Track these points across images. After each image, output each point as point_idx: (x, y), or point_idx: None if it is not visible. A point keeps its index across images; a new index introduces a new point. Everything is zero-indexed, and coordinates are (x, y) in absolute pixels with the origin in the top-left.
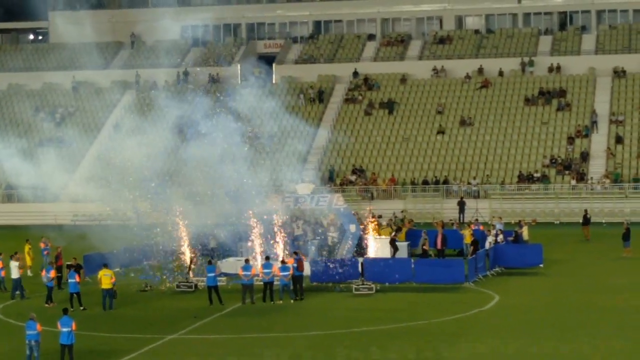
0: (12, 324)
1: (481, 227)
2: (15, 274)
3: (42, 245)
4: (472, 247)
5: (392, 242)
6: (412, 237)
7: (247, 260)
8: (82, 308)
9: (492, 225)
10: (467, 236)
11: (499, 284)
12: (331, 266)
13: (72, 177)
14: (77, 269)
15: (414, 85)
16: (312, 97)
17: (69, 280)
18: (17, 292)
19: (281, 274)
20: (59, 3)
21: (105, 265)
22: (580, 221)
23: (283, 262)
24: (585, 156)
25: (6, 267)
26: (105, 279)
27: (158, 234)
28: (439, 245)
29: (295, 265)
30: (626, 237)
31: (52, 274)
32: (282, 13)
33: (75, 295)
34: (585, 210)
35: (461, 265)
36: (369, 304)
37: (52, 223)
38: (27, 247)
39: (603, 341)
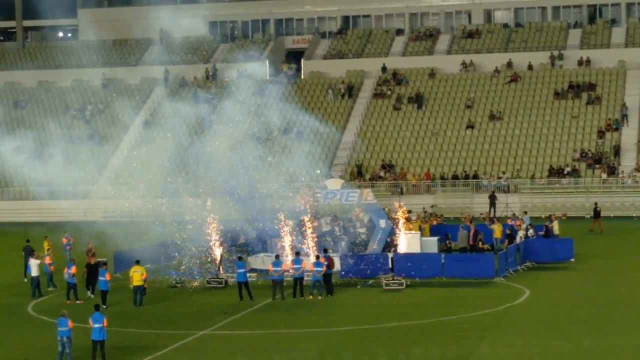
0: (44, 321)
1: (517, 223)
2: (35, 272)
3: (64, 240)
4: (507, 241)
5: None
6: (442, 232)
7: (277, 256)
8: (104, 306)
9: (522, 219)
10: (497, 231)
11: (529, 279)
12: (361, 262)
13: (102, 174)
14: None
15: (443, 80)
16: (342, 92)
17: (100, 279)
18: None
19: (315, 269)
20: (88, 1)
21: (138, 262)
22: (593, 214)
23: (317, 257)
24: (617, 150)
25: (53, 263)
26: (137, 275)
27: (187, 230)
28: (470, 241)
29: (326, 262)
30: None
31: (73, 270)
32: (310, 8)
33: (103, 292)
34: (595, 204)
35: (492, 260)
36: (399, 299)
37: (83, 220)
38: (46, 244)
39: (635, 336)
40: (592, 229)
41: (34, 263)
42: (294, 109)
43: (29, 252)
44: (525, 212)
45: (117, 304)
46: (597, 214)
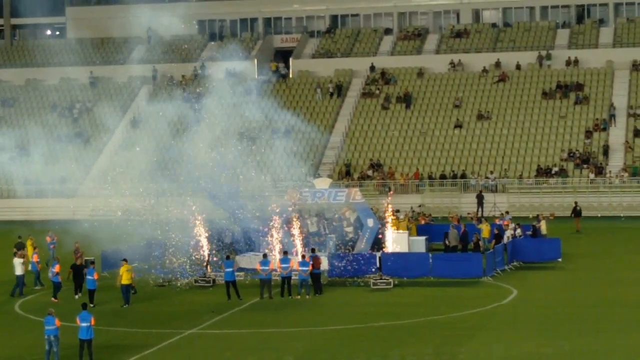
0: (31, 319)
1: (505, 222)
2: (19, 270)
3: (48, 239)
4: (494, 241)
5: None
6: (430, 232)
7: (265, 255)
8: (92, 305)
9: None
10: (485, 231)
11: (517, 279)
12: (349, 261)
13: (89, 172)
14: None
15: (431, 79)
16: (331, 91)
17: (87, 277)
18: (17, 289)
19: (300, 268)
20: None
21: (125, 261)
22: (571, 214)
23: (303, 257)
24: (605, 150)
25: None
26: (126, 274)
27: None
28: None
29: (311, 262)
30: None
31: (57, 268)
32: (298, 7)
33: (90, 291)
34: (575, 203)
35: (479, 260)
36: (387, 298)
37: (70, 218)
38: (29, 242)
39: (623, 335)
40: (578, 229)
41: (17, 262)
42: (281, 108)
43: (20, 249)
44: (507, 212)
45: (104, 303)
46: (577, 212)
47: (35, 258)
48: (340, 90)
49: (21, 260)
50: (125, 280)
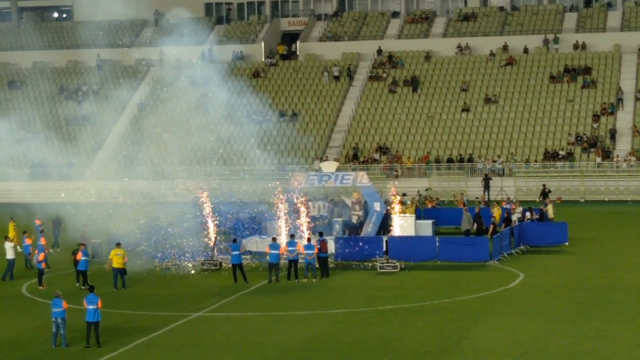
0: (38, 302)
1: (513, 206)
2: (10, 254)
3: (37, 222)
4: (503, 224)
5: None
6: (437, 215)
7: (274, 239)
8: (81, 287)
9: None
10: (496, 214)
11: (523, 262)
12: (356, 244)
13: (97, 155)
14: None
15: (439, 63)
16: (338, 74)
17: (82, 258)
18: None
19: (305, 252)
20: None
21: (118, 245)
22: (540, 197)
23: (309, 240)
24: (613, 133)
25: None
26: (117, 258)
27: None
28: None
29: (318, 246)
30: None
31: (41, 256)
32: None
33: (82, 273)
34: (544, 185)
35: (486, 244)
36: (394, 282)
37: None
38: (11, 225)
39: (629, 320)
40: (545, 210)
41: (8, 246)
42: (289, 91)
43: (23, 232)
44: (509, 199)
45: (110, 285)
46: (544, 195)
47: (28, 241)
48: (350, 73)
49: (12, 244)
50: (116, 264)
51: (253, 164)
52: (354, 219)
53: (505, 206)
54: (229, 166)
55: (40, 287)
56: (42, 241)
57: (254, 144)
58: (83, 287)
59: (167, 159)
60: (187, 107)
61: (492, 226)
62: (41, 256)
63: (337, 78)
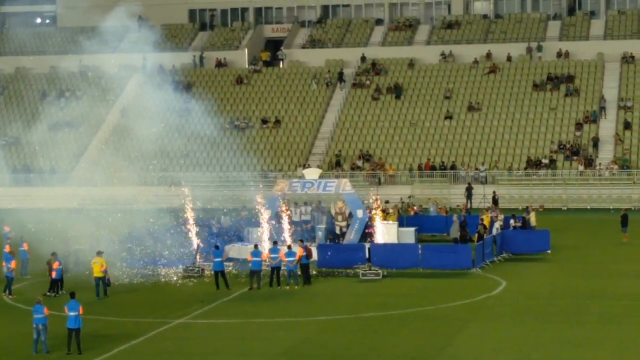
0: (19, 308)
1: (495, 214)
2: None
3: (6, 228)
4: (485, 233)
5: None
6: (420, 222)
7: (256, 246)
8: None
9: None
10: (486, 220)
11: (506, 270)
12: (338, 251)
13: (79, 161)
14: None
15: (422, 70)
16: (329, 80)
17: (58, 267)
18: None
19: (287, 259)
20: None
21: (99, 253)
22: (492, 204)
23: (289, 247)
24: (595, 142)
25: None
26: (96, 266)
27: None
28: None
29: (304, 253)
30: (624, 222)
31: (13, 264)
32: None
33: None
34: (494, 192)
35: (468, 251)
36: (376, 289)
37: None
38: None
39: (611, 327)
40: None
41: None
42: (272, 97)
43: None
44: (492, 207)
45: (92, 291)
46: (495, 202)
47: (7, 248)
48: (341, 78)
49: None
50: (95, 272)
51: (236, 170)
52: (337, 229)
53: (488, 214)
54: (211, 173)
55: (8, 296)
56: (7, 249)
57: (237, 151)
58: (48, 294)
59: (148, 165)
60: (171, 113)
61: (477, 234)
62: (13, 263)
63: (328, 85)
